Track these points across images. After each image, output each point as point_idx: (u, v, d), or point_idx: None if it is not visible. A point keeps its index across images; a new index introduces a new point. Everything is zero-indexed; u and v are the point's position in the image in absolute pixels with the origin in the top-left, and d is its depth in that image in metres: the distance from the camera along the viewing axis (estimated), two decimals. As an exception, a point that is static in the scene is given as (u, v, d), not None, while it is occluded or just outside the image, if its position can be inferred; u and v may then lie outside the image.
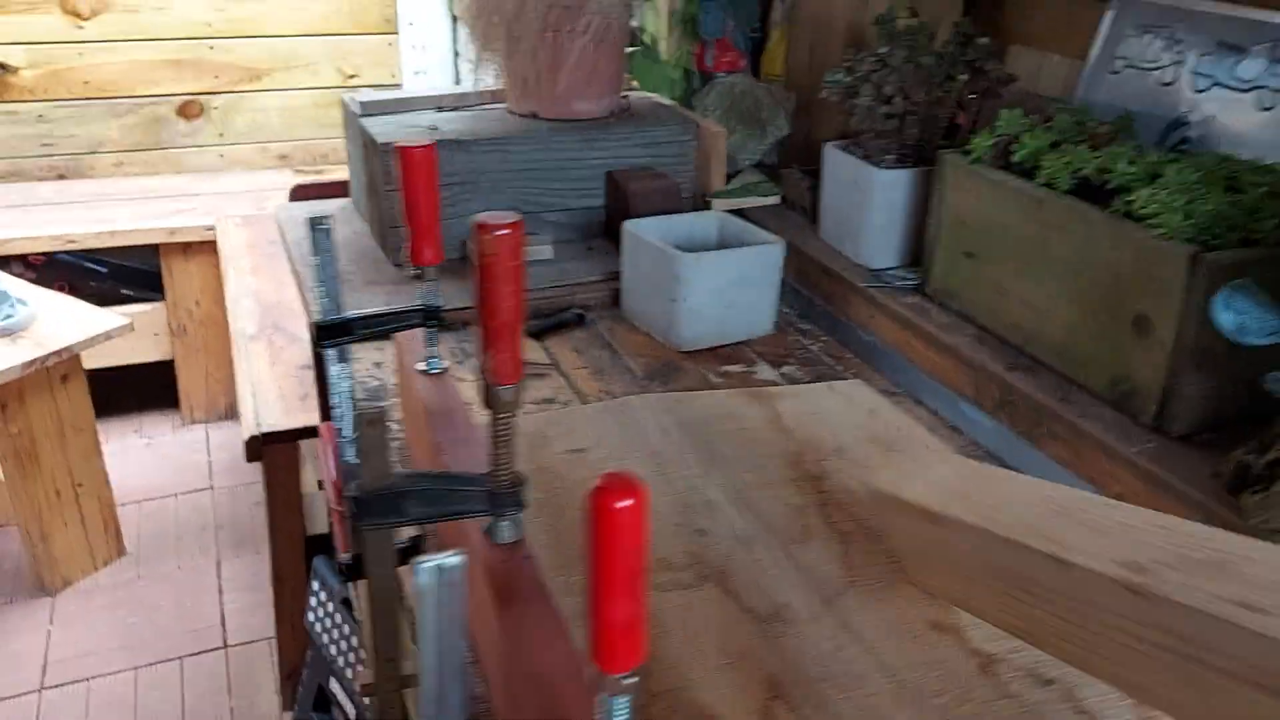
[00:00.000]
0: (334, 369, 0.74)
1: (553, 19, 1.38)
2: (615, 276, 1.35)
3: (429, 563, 0.47)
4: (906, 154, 1.25)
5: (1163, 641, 0.49)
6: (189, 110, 3.18)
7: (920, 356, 1.14)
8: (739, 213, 1.49)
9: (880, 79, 1.17)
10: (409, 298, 1.37)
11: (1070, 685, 0.61)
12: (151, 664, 2.14)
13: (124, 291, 2.96)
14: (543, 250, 1.43)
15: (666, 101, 1.60)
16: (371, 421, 0.48)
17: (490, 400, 0.54)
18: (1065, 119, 1.08)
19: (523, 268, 0.52)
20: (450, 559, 0.47)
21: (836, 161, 1.33)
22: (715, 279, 1.23)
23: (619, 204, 1.45)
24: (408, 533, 0.75)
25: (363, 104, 1.49)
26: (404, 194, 0.74)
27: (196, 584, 2.39)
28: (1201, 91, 1.11)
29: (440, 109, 1.52)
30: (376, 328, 0.74)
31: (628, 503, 0.34)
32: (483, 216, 0.50)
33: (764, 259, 1.26)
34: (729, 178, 1.58)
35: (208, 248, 2.74)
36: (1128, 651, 0.51)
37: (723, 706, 0.58)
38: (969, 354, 1.07)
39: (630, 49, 1.65)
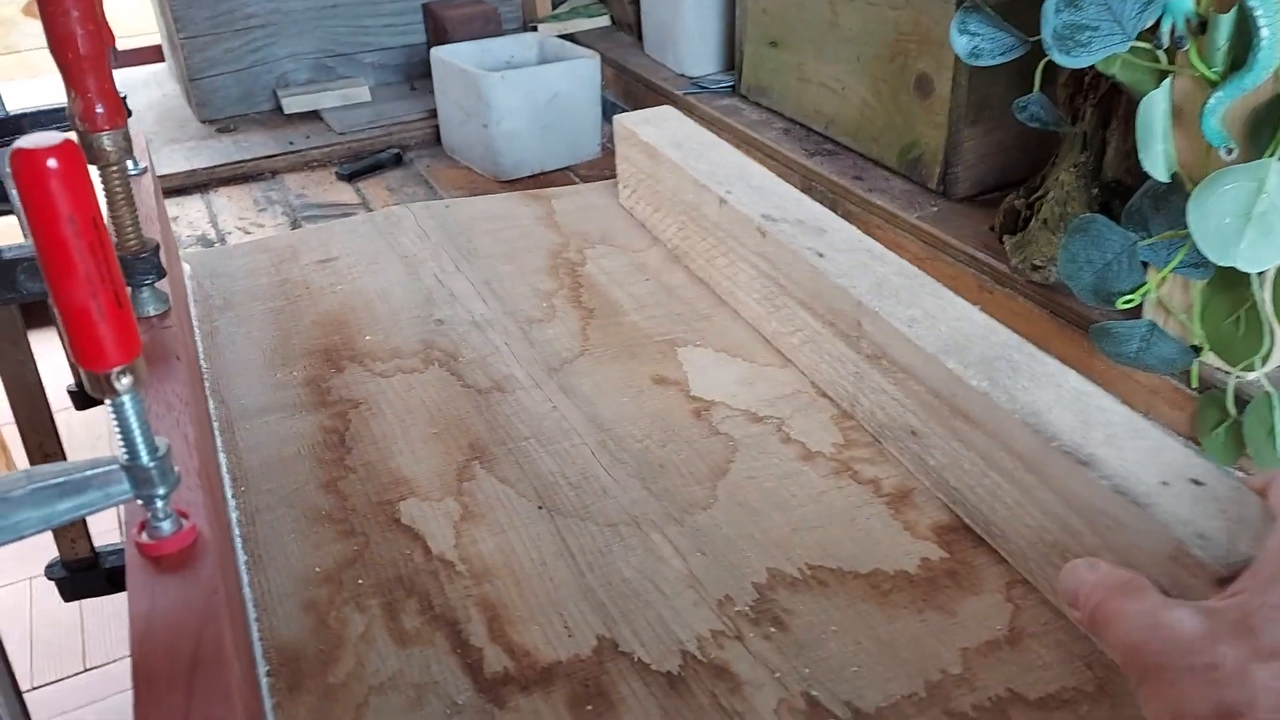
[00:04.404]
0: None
1: None
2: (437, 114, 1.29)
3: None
4: (717, -50, 1.19)
5: (764, 269, 0.68)
6: (35, 10, 2.99)
7: (733, 157, 1.10)
8: (569, 39, 1.42)
9: None
10: (213, 154, 1.31)
11: (780, 419, 0.59)
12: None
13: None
14: (359, 93, 1.35)
15: (487, -72, 1.50)
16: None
17: (91, 152, 0.49)
18: (859, -114, 1.02)
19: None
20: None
21: (651, -33, 1.26)
22: (527, 99, 1.17)
23: (438, 36, 1.37)
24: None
25: (151, -50, 1.38)
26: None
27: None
28: None
29: (240, -49, 1.42)
30: (49, 124, 0.68)
31: (53, 162, 0.29)
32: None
33: (579, 75, 1.19)
34: (560, 3, 1.50)
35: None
36: (744, 272, 0.70)
37: (419, 471, 0.55)
38: (775, 147, 1.03)
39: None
